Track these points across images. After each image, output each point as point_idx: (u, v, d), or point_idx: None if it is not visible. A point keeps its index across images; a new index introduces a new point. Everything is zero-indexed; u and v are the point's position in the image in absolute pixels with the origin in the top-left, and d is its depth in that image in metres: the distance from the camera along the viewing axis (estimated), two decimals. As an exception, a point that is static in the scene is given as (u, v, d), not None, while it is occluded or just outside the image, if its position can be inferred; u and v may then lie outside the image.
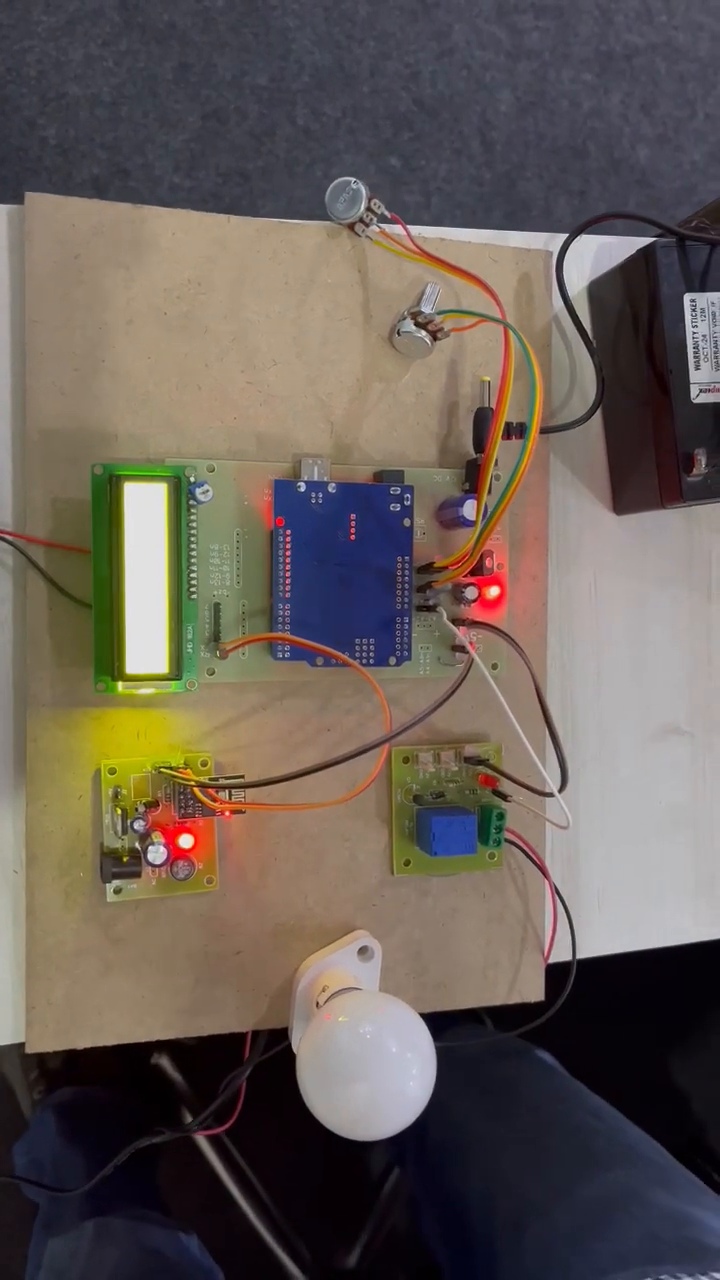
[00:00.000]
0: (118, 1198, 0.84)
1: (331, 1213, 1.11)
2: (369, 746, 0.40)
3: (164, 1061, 1.16)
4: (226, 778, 0.46)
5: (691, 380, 0.48)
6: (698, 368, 0.48)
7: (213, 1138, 1.11)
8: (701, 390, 0.48)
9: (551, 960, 0.54)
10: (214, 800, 0.44)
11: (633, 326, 0.49)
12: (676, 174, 1.48)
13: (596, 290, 0.52)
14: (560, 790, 0.43)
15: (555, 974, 0.53)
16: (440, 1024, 0.82)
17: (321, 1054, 0.40)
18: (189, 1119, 1.12)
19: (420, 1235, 0.78)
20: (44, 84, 1.27)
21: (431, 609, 0.49)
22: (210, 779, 0.46)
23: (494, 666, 0.51)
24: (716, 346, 0.48)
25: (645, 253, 0.48)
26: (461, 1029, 0.83)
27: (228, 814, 0.46)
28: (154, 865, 0.45)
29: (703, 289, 0.48)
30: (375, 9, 1.35)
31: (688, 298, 0.47)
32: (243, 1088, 0.55)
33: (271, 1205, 1.11)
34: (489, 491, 0.46)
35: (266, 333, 0.48)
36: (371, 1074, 0.39)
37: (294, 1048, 0.47)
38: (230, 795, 0.44)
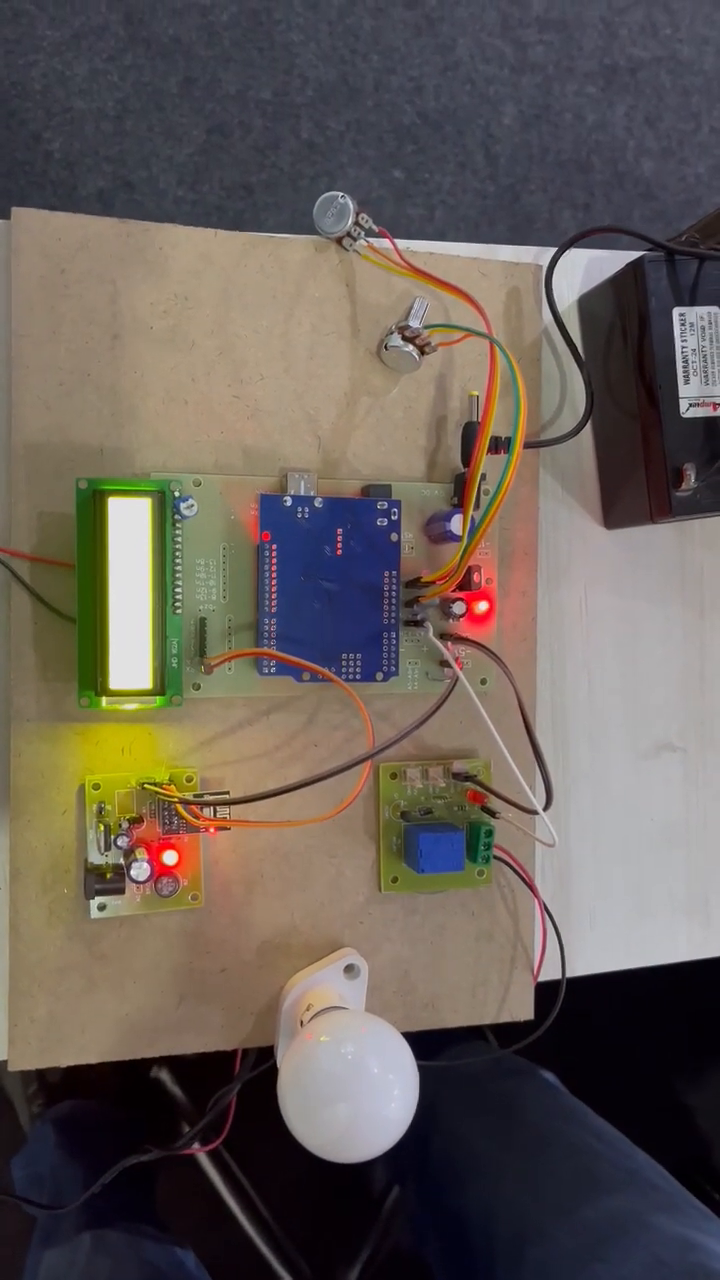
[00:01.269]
0: (115, 1212, 0.84)
1: (332, 1229, 1.10)
2: (353, 763, 0.40)
3: (164, 1075, 1.15)
4: (211, 794, 0.45)
5: (681, 394, 0.47)
6: (687, 382, 0.47)
7: (213, 1153, 1.11)
8: (691, 404, 0.47)
9: (543, 978, 0.53)
10: (198, 817, 0.44)
11: (622, 340, 0.49)
12: (680, 187, 1.48)
13: (587, 304, 0.52)
14: (545, 809, 0.43)
15: (550, 992, 0.53)
16: (441, 1041, 0.82)
17: (302, 1074, 0.40)
18: (187, 1133, 1.12)
19: (420, 1253, 0.78)
20: (49, 98, 1.27)
21: (419, 624, 0.49)
22: (195, 795, 0.46)
23: (482, 682, 0.50)
24: (706, 360, 0.47)
25: (634, 267, 0.48)
26: (464, 1046, 0.83)
27: (212, 830, 0.46)
28: (138, 882, 0.45)
29: (692, 303, 0.47)
30: (379, 24, 1.36)
31: (677, 312, 0.47)
32: (232, 1104, 0.54)
33: (271, 1221, 1.10)
34: (476, 506, 0.46)
35: (253, 347, 0.48)
36: (352, 1095, 0.39)
37: (279, 1066, 0.47)
38: (215, 812, 0.44)
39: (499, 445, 0.46)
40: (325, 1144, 0.39)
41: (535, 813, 0.46)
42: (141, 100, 1.30)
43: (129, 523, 0.43)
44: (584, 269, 0.53)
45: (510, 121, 1.41)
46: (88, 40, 1.27)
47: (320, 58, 1.34)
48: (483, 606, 0.50)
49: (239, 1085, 0.53)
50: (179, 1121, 1.13)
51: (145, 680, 0.44)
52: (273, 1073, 0.52)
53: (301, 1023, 0.45)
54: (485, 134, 1.40)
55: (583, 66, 1.43)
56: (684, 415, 0.47)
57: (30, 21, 1.26)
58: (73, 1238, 0.77)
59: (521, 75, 1.41)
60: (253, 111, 1.32)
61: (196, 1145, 0.59)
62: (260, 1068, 0.51)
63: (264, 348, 0.48)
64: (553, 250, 0.51)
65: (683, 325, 0.47)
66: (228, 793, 0.46)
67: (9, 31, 1.23)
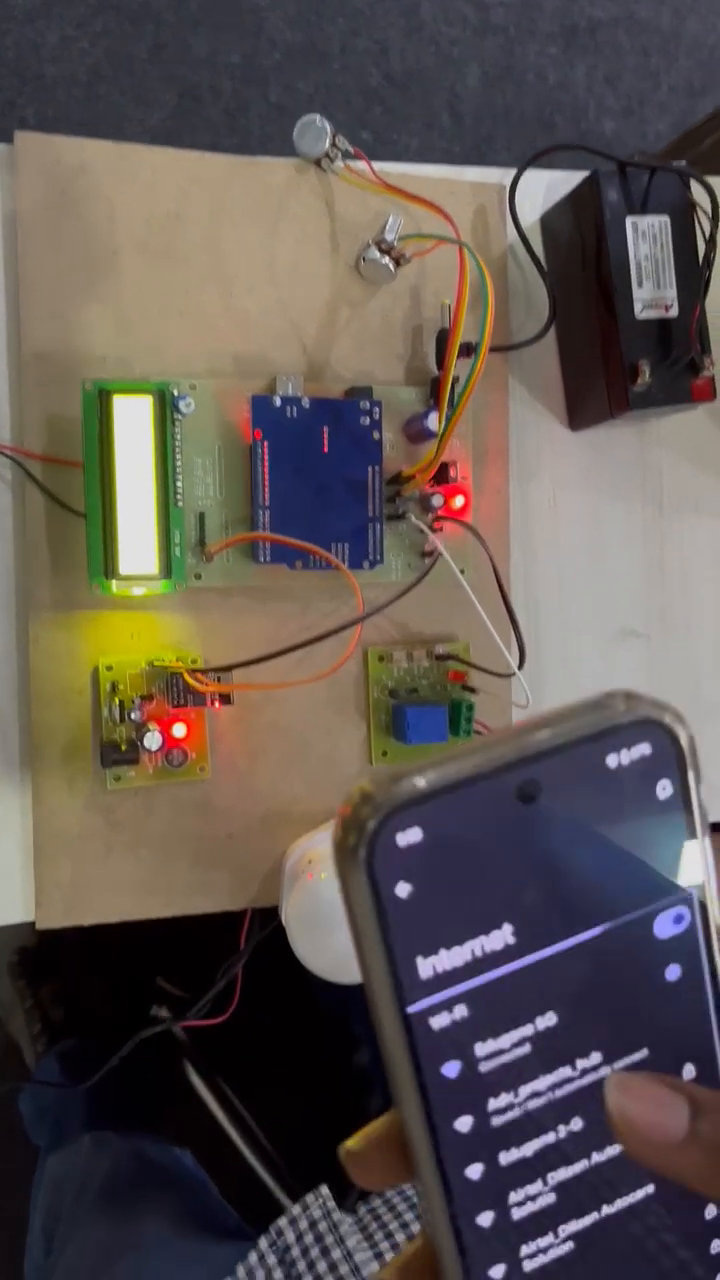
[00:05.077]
0: (115, 1123, 0.88)
1: (335, 1162, 1.14)
2: (346, 624, 0.44)
3: (163, 1013, 1.18)
4: (214, 666, 0.49)
5: (635, 297, 0.52)
6: (640, 285, 0.52)
7: (215, 1089, 1.14)
8: (645, 306, 0.52)
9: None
10: (203, 683, 0.48)
11: (581, 251, 0.53)
12: (641, 145, 1.52)
13: (548, 220, 0.56)
14: (520, 667, 0.47)
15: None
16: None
17: (306, 907, 0.44)
18: (189, 1071, 1.15)
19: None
20: (22, 65, 1.30)
21: (401, 517, 0.53)
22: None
23: (461, 571, 0.55)
24: (657, 266, 0.52)
25: (590, 180, 0.52)
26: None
27: (217, 704, 0.50)
28: (150, 751, 0.49)
29: (643, 212, 0.51)
30: (344, -13, 1.39)
31: (630, 221, 0.51)
32: (239, 977, 0.59)
33: (275, 1155, 1.13)
34: (450, 406, 0.50)
35: (241, 262, 0.52)
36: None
37: (284, 922, 0.51)
38: (219, 679, 0.48)
39: (469, 350, 0.50)
40: (329, 966, 0.44)
41: (511, 675, 0.50)
42: (113, 66, 1.32)
43: (132, 419, 0.47)
44: (544, 189, 0.57)
45: (474, 82, 1.45)
46: (58, 7, 1.29)
47: (287, 22, 1.37)
48: (459, 501, 0.54)
49: (247, 955, 0.58)
50: (180, 1060, 1.16)
51: (151, 565, 0.48)
52: (277, 972, 0.55)
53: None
54: (450, 94, 1.43)
55: (543, 27, 1.46)
56: (638, 317, 0.52)
57: (1, -11, 1.28)
58: (74, 1140, 0.81)
59: (484, 37, 1.44)
60: (222, 75, 1.35)
61: (201, 1017, 0.63)
62: (265, 930, 0.55)
63: (251, 262, 0.52)
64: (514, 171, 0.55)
65: (635, 233, 0.51)
66: (232, 677, 0.50)
67: (-19, -1, 1.26)
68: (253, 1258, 0.57)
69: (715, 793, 0.62)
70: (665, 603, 0.60)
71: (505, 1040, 0.23)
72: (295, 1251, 0.56)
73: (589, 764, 0.22)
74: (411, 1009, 0.22)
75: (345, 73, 1.40)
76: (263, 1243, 0.58)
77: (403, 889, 0.21)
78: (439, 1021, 0.22)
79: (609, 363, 0.52)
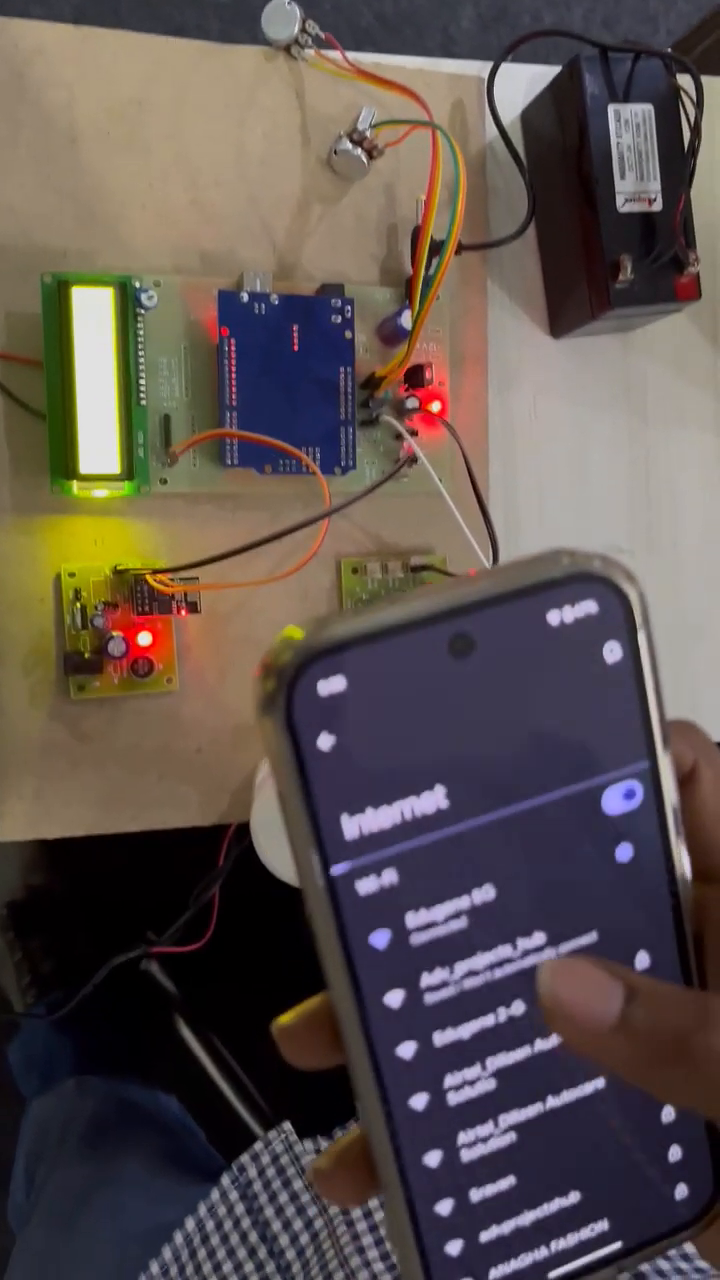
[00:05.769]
0: (101, 1069, 0.87)
1: (321, 1110, 1.14)
2: (314, 519, 0.43)
3: (153, 967, 1.18)
4: (176, 565, 0.48)
5: (617, 190, 0.50)
6: (623, 177, 0.50)
7: (205, 1041, 1.13)
8: (627, 199, 0.50)
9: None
10: (166, 585, 0.46)
11: (561, 143, 0.51)
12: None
13: (529, 115, 0.54)
14: (493, 565, 0.46)
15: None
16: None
17: (269, 809, 0.43)
18: (179, 1023, 1.15)
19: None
20: (6, 5, 1.27)
21: (375, 422, 0.51)
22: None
23: (439, 480, 0.53)
24: (640, 157, 0.50)
25: (570, 67, 0.50)
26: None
27: (183, 611, 0.48)
28: (114, 657, 0.47)
29: (626, 100, 0.49)
30: None
31: (612, 109, 0.49)
32: (215, 899, 0.58)
33: (264, 1106, 1.13)
34: (422, 303, 0.48)
35: (208, 154, 0.50)
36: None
37: (252, 831, 0.50)
38: (183, 581, 0.47)
39: (442, 248, 0.48)
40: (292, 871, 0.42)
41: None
42: (98, 5, 1.29)
43: (93, 312, 0.45)
44: (525, 85, 0.55)
45: (469, 24, 1.42)
46: (42, -57, 1.26)
47: (276, -40, 1.33)
48: (436, 406, 0.52)
49: (223, 877, 0.56)
50: (171, 1013, 1.15)
51: (113, 465, 0.46)
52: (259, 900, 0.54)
53: (273, 787, 0.48)
54: (444, 35, 1.40)
55: (539, -34, 1.43)
56: (620, 210, 0.50)
57: None
58: (59, 1085, 0.81)
59: (478, -24, 1.41)
60: (210, 15, 1.32)
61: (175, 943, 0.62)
62: (242, 844, 0.54)
63: (218, 155, 0.50)
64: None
65: (618, 122, 0.49)
66: (197, 579, 0.49)
67: (-39, -67, 1.22)
68: (215, 1194, 0.57)
69: (711, 712, 0.60)
70: (651, 518, 0.58)
71: (439, 911, 0.21)
72: (257, 1185, 0.56)
73: (528, 620, 0.21)
74: (336, 870, 0.20)
75: (336, 13, 1.36)
76: (225, 1179, 0.57)
77: (325, 741, 0.20)
78: (366, 886, 0.21)
79: (590, 259, 0.51)
